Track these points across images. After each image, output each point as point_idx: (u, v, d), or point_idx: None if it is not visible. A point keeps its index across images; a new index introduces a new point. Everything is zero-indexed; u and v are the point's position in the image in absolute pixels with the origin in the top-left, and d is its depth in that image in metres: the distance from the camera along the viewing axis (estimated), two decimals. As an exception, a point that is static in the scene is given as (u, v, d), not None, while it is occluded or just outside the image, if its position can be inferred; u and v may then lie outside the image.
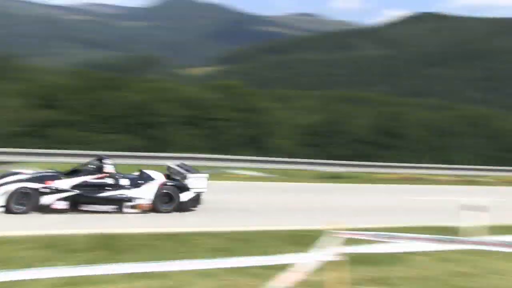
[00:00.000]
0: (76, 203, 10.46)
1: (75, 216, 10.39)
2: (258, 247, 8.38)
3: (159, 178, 11.31)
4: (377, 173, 21.94)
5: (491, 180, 23.03)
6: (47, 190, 10.21)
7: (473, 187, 20.42)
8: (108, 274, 6.41)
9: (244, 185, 16.71)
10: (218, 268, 6.64)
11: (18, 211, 9.99)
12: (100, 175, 10.80)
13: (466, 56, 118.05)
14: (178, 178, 11.62)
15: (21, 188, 10.06)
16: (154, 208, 10.95)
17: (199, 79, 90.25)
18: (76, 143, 20.83)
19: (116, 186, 10.84)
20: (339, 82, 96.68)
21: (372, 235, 5.73)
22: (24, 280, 6.04)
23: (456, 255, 8.16)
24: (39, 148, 17.38)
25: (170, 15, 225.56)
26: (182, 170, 11.82)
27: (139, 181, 11.09)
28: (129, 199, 10.84)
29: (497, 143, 32.70)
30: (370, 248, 5.91)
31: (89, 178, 10.70)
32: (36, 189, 10.14)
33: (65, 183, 10.47)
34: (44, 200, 10.20)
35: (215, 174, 17.62)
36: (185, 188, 11.31)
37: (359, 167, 21.86)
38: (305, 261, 5.70)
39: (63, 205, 10.34)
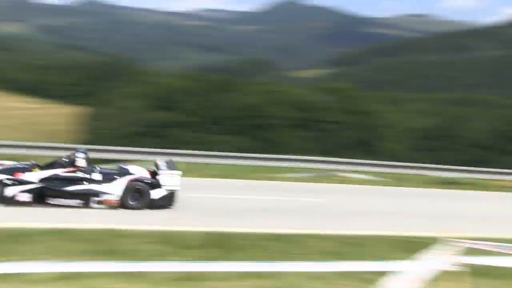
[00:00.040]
0: (42, 196, 10.29)
1: (185, 213, 10.75)
2: (370, 252, 8.22)
3: (137, 174, 10.98)
4: (494, 180, 20.72)
5: None
6: (11, 182, 10.14)
7: None
8: (221, 272, 6.60)
9: (353, 188, 16.46)
10: (329, 272, 6.60)
11: None
12: (71, 169, 10.55)
13: None
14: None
15: None
16: (122, 204, 10.56)
17: (309, 81, 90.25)
18: (190, 144, 21.59)
19: (86, 180, 10.51)
20: (454, 85, 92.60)
21: (494, 246, 5.41)
22: (144, 272, 6.40)
23: None
24: (156, 147, 18.18)
25: (280, 18, 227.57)
26: (162, 167, 11.35)
27: (112, 176, 10.74)
28: (97, 194, 10.48)
29: None
30: (493, 260, 5.57)
31: (60, 172, 10.50)
32: (0, 181, 10.16)
33: (34, 176, 10.33)
34: (8, 191, 10.13)
35: (325, 177, 17.52)
36: (156, 185, 10.80)
37: (474, 173, 20.72)
38: (419, 269, 5.50)
39: (26, 197, 10.20)
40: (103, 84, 55.49)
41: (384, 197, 15.34)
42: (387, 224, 11.22)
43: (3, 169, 10.46)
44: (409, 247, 8.33)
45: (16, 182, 10.17)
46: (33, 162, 10.91)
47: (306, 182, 16.70)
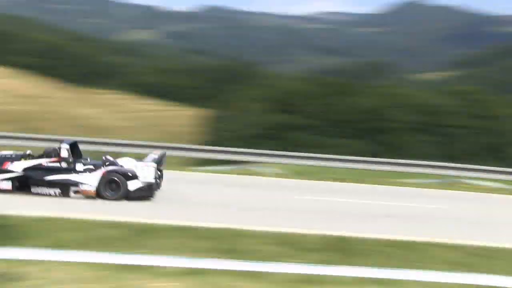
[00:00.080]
0: (24, 185, 10.61)
1: (303, 215, 10.74)
2: (501, 265, 7.72)
3: (121, 165, 11.09)
4: None
5: None
6: None
7: None
8: (341, 276, 6.54)
9: (481, 196, 15.56)
10: (454, 283, 6.31)
11: None
12: (54, 159, 10.83)
13: None
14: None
15: None
16: (98, 194, 10.67)
17: (432, 84, 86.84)
18: (309, 146, 21.64)
19: (67, 171, 10.73)
20: None
21: None
22: (265, 272, 6.50)
23: None
24: (276, 150, 18.36)
25: (402, 20, 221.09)
26: (150, 159, 11.43)
27: (93, 168, 10.86)
28: (75, 184, 10.67)
29: None
30: None
31: (44, 161, 10.80)
32: None
33: (20, 165, 10.68)
34: None
35: (450, 183, 16.78)
36: (133, 177, 10.78)
37: None
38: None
39: (7, 185, 10.55)
40: (225, 87, 57.26)
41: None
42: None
43: None
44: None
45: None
46: (28, 152, 11.29)
47: (430, 188, 16.09)
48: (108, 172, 10.77)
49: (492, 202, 14.71)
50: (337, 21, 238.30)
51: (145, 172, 10.88)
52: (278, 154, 16.71)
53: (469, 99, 27.51)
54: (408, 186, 15.93)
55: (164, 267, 6.68)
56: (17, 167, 10.70)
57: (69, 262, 6.65)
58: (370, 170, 17.06)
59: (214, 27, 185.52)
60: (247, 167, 17.33)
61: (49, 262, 6.58)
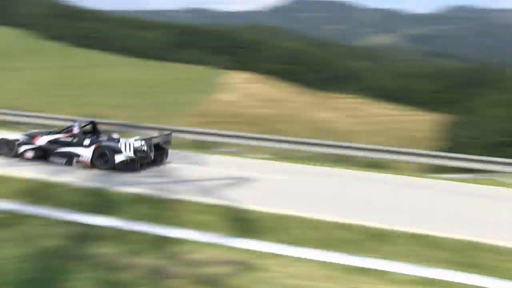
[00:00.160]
0: (45, 155, 12.65)
1: None
2: None
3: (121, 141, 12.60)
4: None
5: None
6: (21, 142, 12.89)
7: None
8: None
9: None
10: None
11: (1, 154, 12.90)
12: (68, 135, 12.89)
13: None
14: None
15: (6, 138, 13.03)
16: (92, 165, 12.24)
17: None
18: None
19: (75, 144, 12.62)
20: None
21: None
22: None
23: None
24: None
25: None
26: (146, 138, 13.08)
27: (94, 143, 12.51)
28: (77, 155, 12.46)
29: None
30: None
31: (62, 136, 12.89)
32: (16, 141, 12.90)
33: (45, 139, 12.87)
34: (20, 150, 12.81)
35: None
36: (118, 152, 12.33)
37: None
38: None
39: (30, 155, 12.71)
40: (468, 91, 54.04)
41: None
42: None
43: (28, 134, 13.39)
44: None
45: (26, 143, 12.85)
46: (55, 130, 13.67)
47: None
48: (100, 146, 12.46)
49: None
50: None
51: (127, 148, 12.50)
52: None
53: None
54: None
55: (396, 273, 6.59)
56: (43, 141, 12.87)
57: (303, 259, 6.95)
58: None
59: (459, 28, 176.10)
60: (490, 176, 16.11)
61: (285, 257, 6.97)
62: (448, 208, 10.87)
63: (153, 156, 12.98)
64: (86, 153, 12.44)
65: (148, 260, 6.33)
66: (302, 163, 15.28)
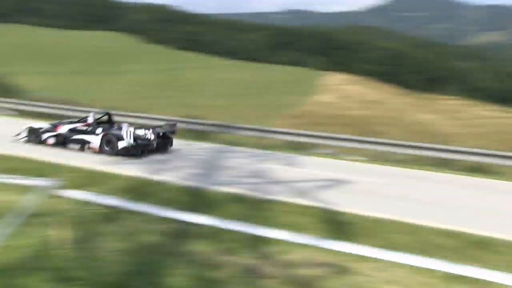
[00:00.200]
0: (64, 141, 14.18)
1: None
2: None
3: (123, 129, 13.82)
4: None
5: None
6: (44, 130, 14.56)
7: None
8: None
9: None
10: None
11: (24, 140, 14.64)
12: (84, 124, 14.44)
13: None
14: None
15: (32, 127, 14.77)
16: (100, 150, 13.63)
17: None
18: None
19: (88, 133, 14.08)
20: None
21: None
22: None
23: None
24: None
25: None
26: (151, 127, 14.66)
27: (101, 131, 13.94)
28: (89, 142, 13.91)
29: None
30: None
31: (79, 126, 14.44)
32: (40, 129, 14.62)
33: (66, 128, 14.44)
34: (43, 137, 14.46)
35: None
36: (121, 139, 13.57)
37: None
38: None
39: (52, 142, 14.31)
40: None
41: None
42: None
43: (52, 124, 14.94)
44: None
45: (48, 131, 14.50)
46: (74, 120, 15.31)
47: None
48: (107, 134, 13.81)
49: None
50: None
51: (128, 135, 13.67)
52: None
53: None
54: None
55: (500, 284, 6.25)
56: (64, 129, 14.42)
57: (399, 264, 6.76)
58: None
59: None
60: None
61: (380, 261, 6.81)
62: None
63: (155, 144, 14.18)
64: (95, 140, 13.89)
65: (242, 259, 6.42)
66: (399, 166, 14.91)
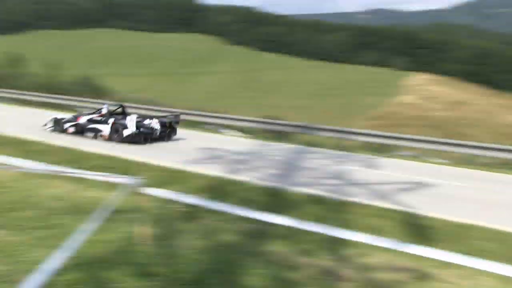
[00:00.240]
0: (82, 131, 15.84)
1: None
2: None
3: (128, 119, 15.59)
4: None
5: None
6: (65, 120, 16.34)
7: None
8: None
9: None
10: None
11: (50, 130, 16.39)
12: (99, 115, 16.11)
13: None
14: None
15: (56, 118, 16.59)
16: (109, 138, 15.32)
17: None
18: None
19: (101, 122, 15.69)
20: None
21: None
22: None
23: None
24: None
25: None
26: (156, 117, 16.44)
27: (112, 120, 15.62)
28: (100, 131, 15.57)
29: None
30: None
31: (94, 116, 16.10)
32: (62, 119, 16.42)
33: (85, 118, 16.14)
34: (65, 126, 16.19)
35: None
36: (126, 127, 15.27)
37: None
38: None
39: (72, 130, 16.04)
40: None
41: None
42: None
43: (74, 115, 16.86)
44: None
45: (70, 121, 16.28)
46: (92, 111, 17.08)
47: None
48: (114, 123, 15.46)
49: None
50: None
51: (130, 124, 15.29)
52: None
53: None
54: None
55: None
56: (83, 120, 16.07)
57: (485, 272, 6.46)
58: None
59: None
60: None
61: (464, 268, 6.54)
62: None
63: (159, 132, 15.79)
64: (106, 129, 15.52)
65: (319, 261, 6.36)
66: (486, 169, 14.29)
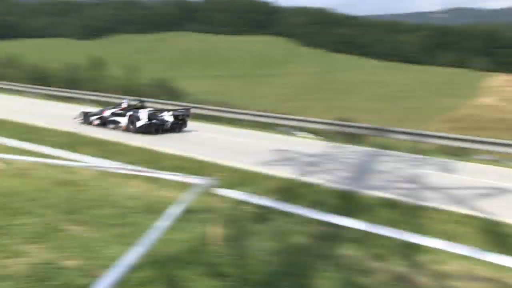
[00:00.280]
0: (104, 123, 17.53)
1: None
2: None
3: (141, 111, 17.30)
4: None
5: None
6: (92, 114, 18.18)
7: None
8: None
9: None
10: None
11: (80, 122, 18.24)
12: (120, 108, 17.84)
13: None
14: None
15: (84, 111, 18.53)
16: (126, 129, 16.95)
17: None
18: None
19: (122, 115, 17.34)
20: None
21: None
22: None
23: None
24: None
25: None
26: (163, 111, 18.08)
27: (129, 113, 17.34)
28: (120, 122, 17.23)
29: None
30: None
31: (116, 110, 17.80)
32: (89, 112, 18.31)
33: (109, 112, 17.83)
34: (91, 119, 17.96)
35: None
36: (139, 119, 16.88)
37: None
38: None
39: (96, 122, 17.72)
40: None
41: None
42: None
43: (99, 109, 18.58)
44: None
45: (95, 114, 18.12)
46: (115, 106, 18.70)
47: None
48: (130, 115, 17.09)
49: None
50: None
51: (143, 116, 16.85)
52: None
53: None
54: None
55: None
56: (107, 113, 17.81)
57: None
58: None
59: None
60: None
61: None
62: None
63: (170, 124, 17.16)
64: (124, 120, 17.15)
65: (392, 266, 6.21)
66: None
